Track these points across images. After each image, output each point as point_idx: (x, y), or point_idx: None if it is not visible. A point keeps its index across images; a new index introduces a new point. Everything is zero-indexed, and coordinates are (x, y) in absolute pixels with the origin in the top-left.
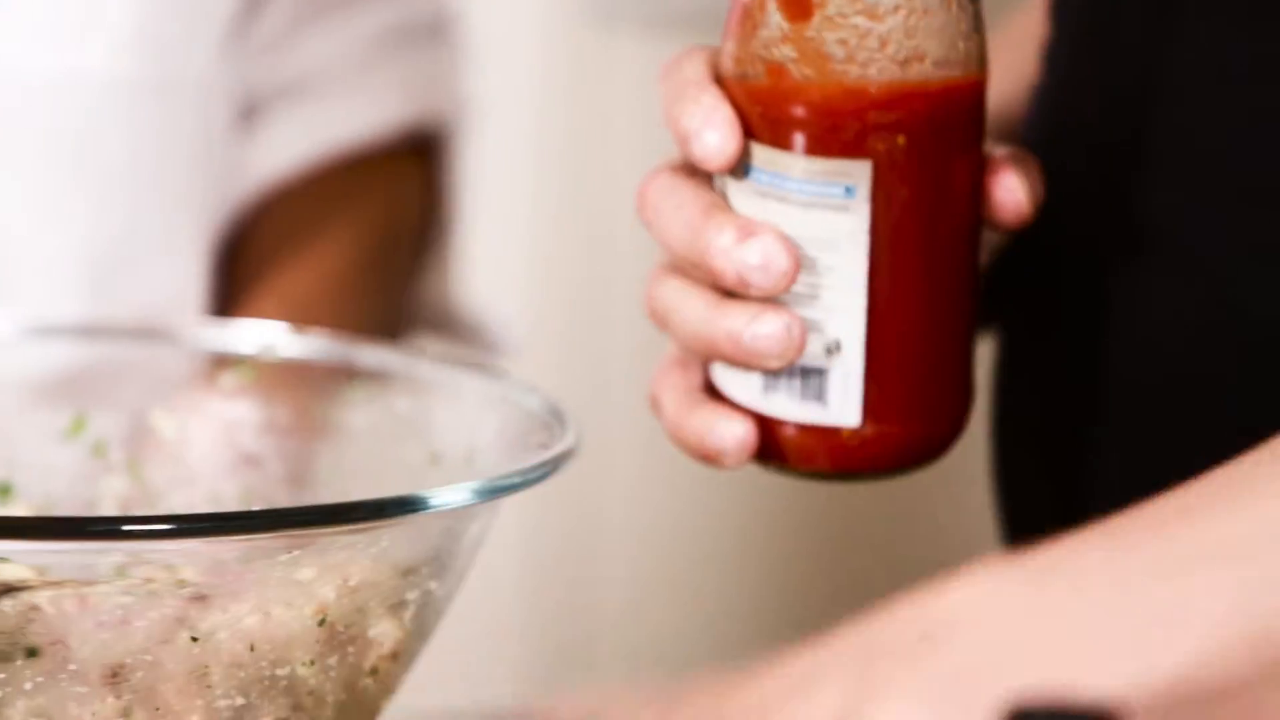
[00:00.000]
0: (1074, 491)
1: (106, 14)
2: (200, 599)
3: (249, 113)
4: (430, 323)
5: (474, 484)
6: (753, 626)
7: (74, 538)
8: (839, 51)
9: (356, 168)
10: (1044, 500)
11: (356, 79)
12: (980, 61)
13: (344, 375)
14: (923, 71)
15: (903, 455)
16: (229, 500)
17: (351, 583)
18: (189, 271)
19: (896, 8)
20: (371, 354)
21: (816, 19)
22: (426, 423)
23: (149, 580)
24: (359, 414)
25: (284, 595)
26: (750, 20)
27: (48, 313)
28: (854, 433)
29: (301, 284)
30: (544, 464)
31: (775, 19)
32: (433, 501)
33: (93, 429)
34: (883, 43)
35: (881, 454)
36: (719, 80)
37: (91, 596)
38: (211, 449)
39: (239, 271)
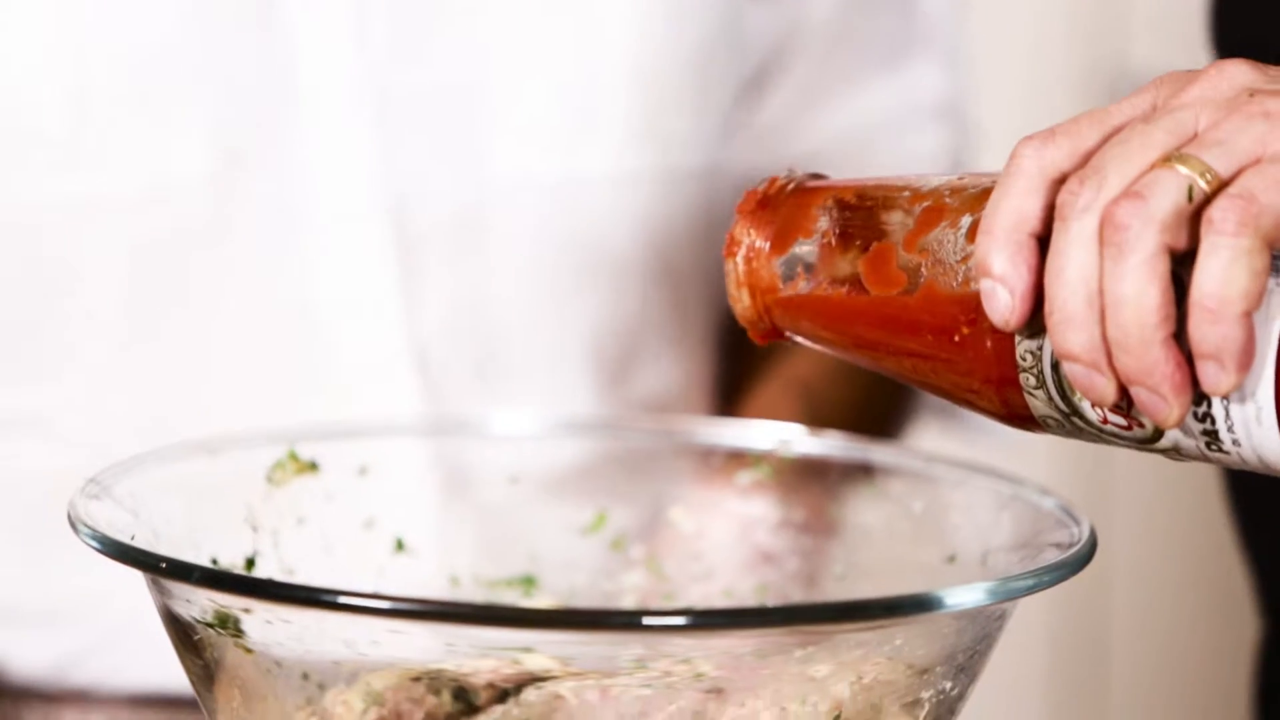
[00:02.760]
0: None
1: (609, 113)
2: (717, 693)
3: None
4: (934, 408)
5: (988, 584)
6: None
7: (596, 630)
8: None
9: None
10: None
11: (860, 160)
12: None
13: (859, 474)
14: None
15: None
16: (745, 596)
17: (866, 680)
18: (697, 361)
19: None
20: (886, 453)
21: None
22: (942, 522)
23: (667, 673)
24: (874, 513)
25: (799, 691)
26: None
27: (569, 410)
28: None
29: (805, 369)
30: (1060, 565)
31: None
32: (947, 601)
33: (612, 524)
34: None
35: None
36: None
37: (613, 688)
38: (729, 545)
39: (747, 357)
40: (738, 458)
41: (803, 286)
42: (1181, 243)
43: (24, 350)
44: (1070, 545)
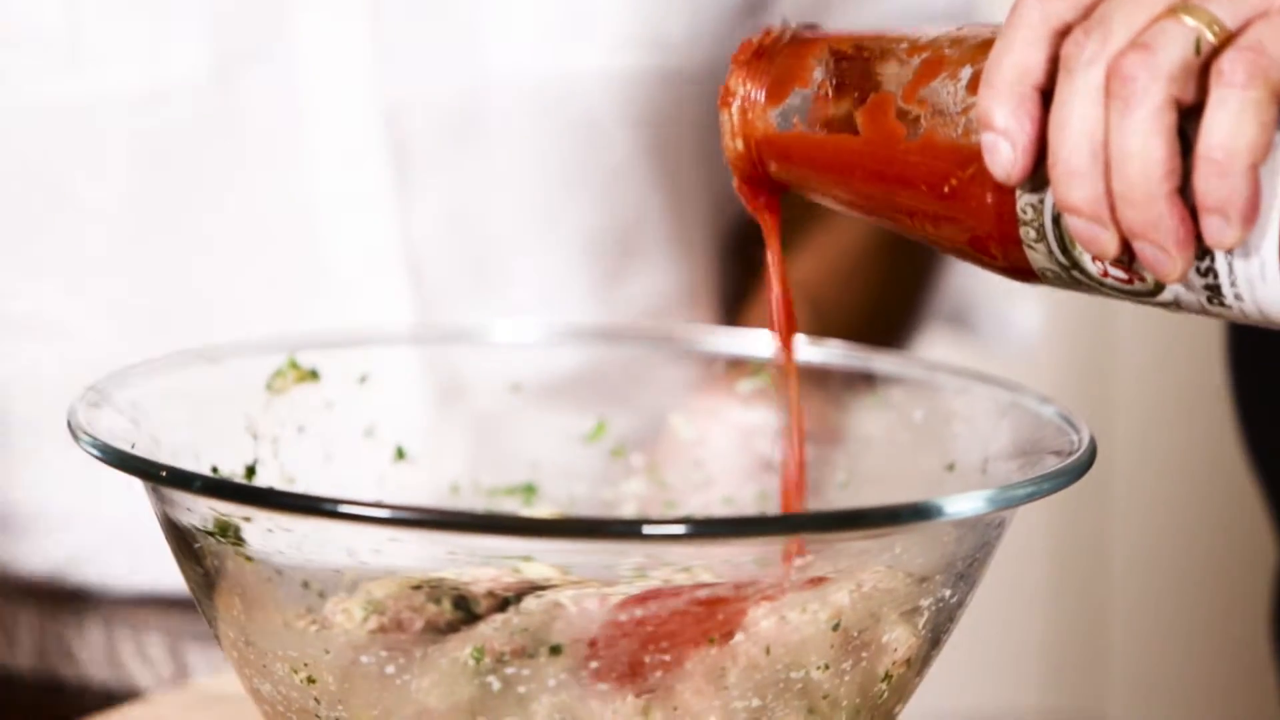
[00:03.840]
0: None
1: (604, 11)
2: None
3: None
4: (945, 315)
5: (988, 492)
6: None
7: (596, 539)
8: None
9: None
10: None
11: None
12: None
13: (860, 382)
14: None
15: None
16: (745, 505)
17: (865, 588)
18: (697, 266)
19: None
20: (888, 362)
21: None
22: (942, 430)
23: (667, 582)
24: (874, 421)
25: (799, 599)
26: None
27: (565, 313)
28: None
29: (809, 271)
30: (1059, 473)
31: None
32: (946, 509)
33: (613, 432)
34: None
35: None
36: None
37: (612, 596)
38: (729, 454)
39: (751, 263)
40: (739, 366)
41: (798, 136)
42: (1189, 95)
43: (25, 252)
44: (1070, 453)
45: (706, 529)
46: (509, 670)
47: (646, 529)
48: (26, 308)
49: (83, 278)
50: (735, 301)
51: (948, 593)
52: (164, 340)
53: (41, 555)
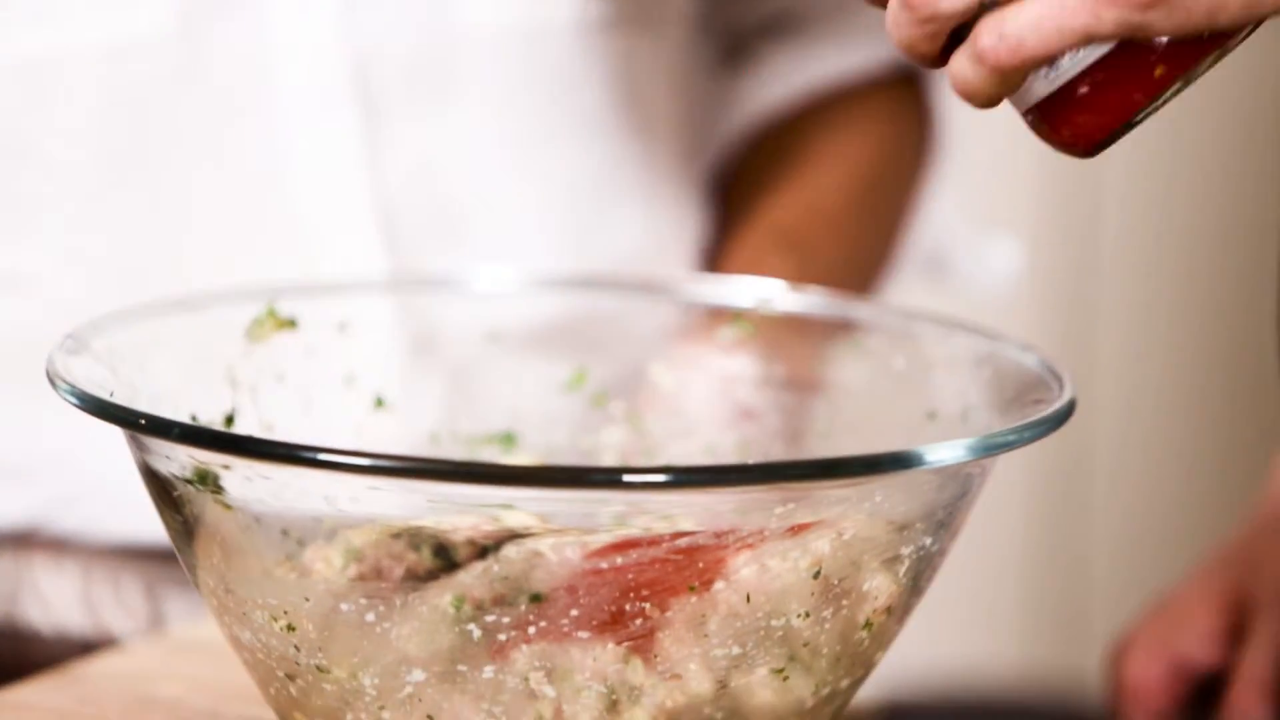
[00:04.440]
0: None
1: None
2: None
3: (737, 49)
4: (924, 259)
5: (969, 441)
6: None
7: (576, 487)
8: None
9: (847, 102)
10: None
11: (847, 13)
12: None
13: (841, 331)
14: None
15: None
16: (726, 453)
17: (846, 536)
18: (674, 211)
19: None
20: (869, 310)
21: None
22: (923, 378)
23: (647, 530)
24: (855, 370)
25: (779, 547)
26: None
27: (540, 265)
28: None
29: (790, 215)
30: (1040, 422)
31: None
32: (927, 458)
33: (593, 380)
34: None
35: None
36: None
37: (592, 544)
38: (710, 402)
39: (730, 204)
40: (719, 313)
41: None
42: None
43: None
44: (1051, 401)
45: (687, 477)
46: (489, 618)
47: (627, 477)
48: (0, 264)
49: (54, 233)
50: (709, 252)
51: (928, 541)
52: (137, 293)
53: (18, 503)
